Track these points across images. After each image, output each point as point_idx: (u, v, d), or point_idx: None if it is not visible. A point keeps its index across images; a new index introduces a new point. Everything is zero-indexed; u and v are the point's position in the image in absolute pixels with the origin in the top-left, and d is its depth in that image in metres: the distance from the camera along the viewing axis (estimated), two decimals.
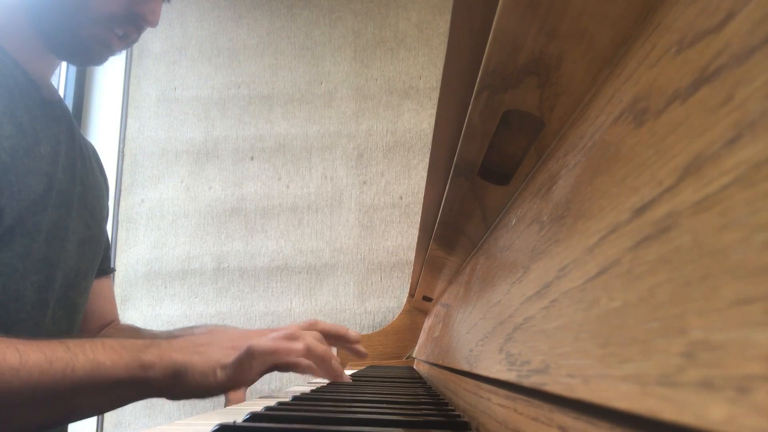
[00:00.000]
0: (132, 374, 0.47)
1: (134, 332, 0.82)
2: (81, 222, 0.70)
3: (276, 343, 0.52)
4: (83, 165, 0.72)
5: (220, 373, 0.50)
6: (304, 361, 0.54)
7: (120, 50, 0.68)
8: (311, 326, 0.74)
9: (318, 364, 0.56)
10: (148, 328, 1.56)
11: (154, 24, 0.67)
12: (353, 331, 0.75)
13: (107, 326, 0.83)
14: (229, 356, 0.51)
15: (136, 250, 1.64)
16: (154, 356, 0.48)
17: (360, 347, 0.74)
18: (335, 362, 0.58)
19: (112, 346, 0.48)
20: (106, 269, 0.83)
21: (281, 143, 1.69)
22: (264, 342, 0.51)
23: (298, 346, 0.53)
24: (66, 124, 0.70)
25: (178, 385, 0.49)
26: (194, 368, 0.49)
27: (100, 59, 0.67)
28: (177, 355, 0.49)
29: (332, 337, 0.73)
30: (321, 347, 0.56)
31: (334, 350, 0.83)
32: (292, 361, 0.54)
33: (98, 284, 0.79)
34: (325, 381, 0.81)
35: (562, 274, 0.22)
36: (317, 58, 1.75)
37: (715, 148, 0.12)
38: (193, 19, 1.79)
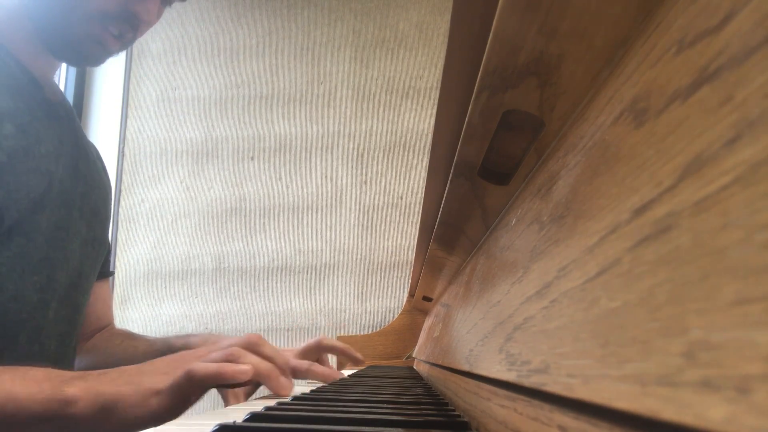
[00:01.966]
0: (51, 409, 0.42)
1: (128, 337, 0.82)
2: (83, 222, 0.70)
3: (219, 367, 0.46)
4: (87, 166, 0.72)
5: (154, 401, 0.45)
6: (245, 378, 0.50)
7: (117, 50, 0.67)
8: (317, 345, 0.76)
9: (266, 382, 0.51)
10: (148, 328, 1.57)
11: (149, 23, 0.66)
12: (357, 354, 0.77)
13: (102, 330, 0.83)
14: (164, 382, 0.46)
15: (136, 250, 1.64)
16: (79, 389, 0.44)
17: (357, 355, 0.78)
18: (283, 378, 0.52)
19: (34, 377, 0.44)
20: (105, 272, 0.83)
21: (281, 143, 1.69)
22: (204, 366, 0.46)
23: (244, 367, 0.48)
24: (69, 124, 0.70)
25: (107, 420, 0.44)
26: (125, 400, 0.45)
27: (97, 59, 0.66)
28: (106, 387, 0.45)
29: (313, 354, 0.76)
30: (264, 365, 0.50)
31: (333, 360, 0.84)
32: (234, 381, 0.49)
33: (96, 287, 0.79)
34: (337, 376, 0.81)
35: (562, 274, 0.22)
36: (317, 58, 1.75)
37: (715, 148, 0.12)
38: (193, 19, 1.79)
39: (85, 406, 0.43)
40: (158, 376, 0.47)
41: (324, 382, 0.71)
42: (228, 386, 0.52)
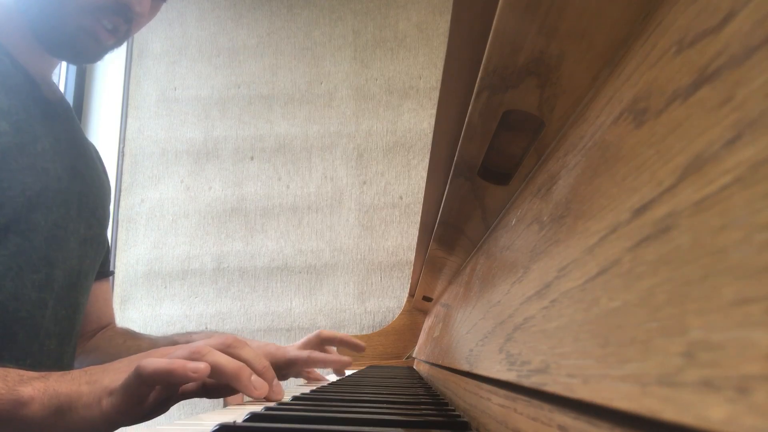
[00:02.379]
0: (4, 409, 0.40)
1: (130, 336, 0.82)
2: (82, 221, 0.70)
3: (171, 362, 0.41)
4: (85, 165, 0.72)
5: (106, 402, 0.41)
6: (208, 382, 0.46)
7: (112, 45, 0.67)
8: (317, 337, 0.76)
9: (234, 382, 0.45)
10: (148, 328, 1.57)
11: (142, 15, 0.66)
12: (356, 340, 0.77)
13: (104, 329, 0.83)
14: (118, 380, 0.42)
15: (136, 250, 1.64)
16: (35, 390, 0.41)
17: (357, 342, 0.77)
18: (255, 378, 0.47)
19: None
20: (105, 272, 0.83)
21: (281, 143, 1.69)
22: (156, 362, 0.41)
23: (199, 365, 0.42)
24: (67, 123, 0.70)
25: (61, 423, 0.41)
26: (80, 400, 0.41)
27: (93, 54, 0.66)
28: (64, 387, 0.42)
29: (316, 346, 0.75)
30: (233, 365, 0.45)
31: (333, 348, 0.83)
32: (192, 387, 0.46)
33: (96, 286, 0.79)
34: (325, 381, 0.80)
35: (562, 274, 0.22)
36: (317, 58, 1.75)
37: (715, 148, 0.12)
38: (193, 19, 1.79)
39: (39, 406, 0.41)
40: (116, 374, 0.43)
41: (330, 368, 0.71)
42: (191, 395, 0.48)
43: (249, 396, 0.46)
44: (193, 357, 0.44)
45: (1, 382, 0.41)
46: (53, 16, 0.62)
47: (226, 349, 0.47)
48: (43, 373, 0.44)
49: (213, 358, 0.44)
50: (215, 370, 0.44)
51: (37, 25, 0.63)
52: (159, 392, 0.44)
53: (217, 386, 0.48)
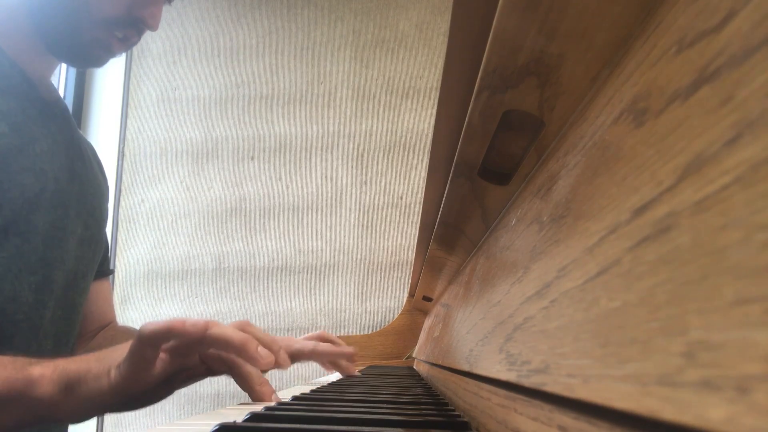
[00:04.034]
0: (15, 388, 0.42)
1: (133, 335, 0.82)
2: (80, 222, 0.69)
3: (171, 321, 0.43)
4: (82, 165, 0.72)
5: (113, 372, 0.43)
6: (212, 354, 0.47)
7: (120, 52, 0.68)
8: (319, 337, 0.76)
9: (240, 353, 0.45)
10: None
11: (154, 28, 0.67)
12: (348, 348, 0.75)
13: (105, 328, 0.83)
14: (125, 352, 0.44)
15: (136, 250, 1.64)
16: (45, 368, 0.43)
17: (348, 365, 0.75)
18: (263, 350, 0.47)
19: (1, 361, 0.43)
20: (104, 271, 0.83)
21: (281, 143, 1.69)
22: (155, 322, 0.43)
23: (198, 321, 0.43)
24: (64, 123, 0.70)
25: (72, 399, 0.43)
26: (89, 373, 0.43)
27: (100, 61, 0.67)
28: (73, 364, 0.44)
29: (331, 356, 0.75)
30: (239, 335, 0.45)
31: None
32: (196, 362, 0.47)
33: (97, 286, 0.79)
34: (325, 381, 0.80)
35: (562, 274, 0.22)
36: (317, 58, 1.75)
37: (715, 148, 0.12)
38: (193, 19, 1.79)
39: (49, 383, 0.42)
40: (125, 350, 0.45)
41: (334, 358, 0.71)
42: (199, 374, 0.49)
43: (255, 365, 0.46)
44: (199, 327, 0.44)
45: (10, 365, 0.43)
46: (66, 28, 0.62)
47: (240, 326, 0.48)
48: (51, 358, 0.45)
49: (220, 329, 0.45)
50: (222, 341, 0.44)
51: (49, 34, 0.63)
52: (165, 361, 0.45)
53: (222, 361, 0.48)
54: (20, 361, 0.44)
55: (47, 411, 0.43)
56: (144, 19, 0.65)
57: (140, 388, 0.44)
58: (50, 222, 0.63)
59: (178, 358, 0.46)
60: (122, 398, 0.44)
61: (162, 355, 0.45)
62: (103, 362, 0.44)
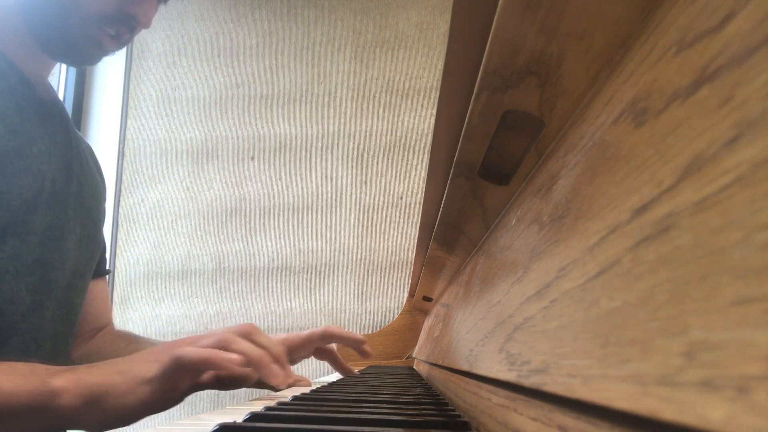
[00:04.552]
0: (37, 401, 0.42)
1: (132, 339, 0.81)
2: (78, 222, 0.69)
3: (208, 352, 0.45)
4: (80, 165, 0.72)
5: (143, 390, 0.44)
6: (240, 371, 0.48)
7: (113, 50, 0.67)
8: (325, 333, 0.75)
9: (258, 370, 0.49)
10: (148, 328, 1.57)
11: (146, 25, 0.67)
12: (360, 335, 0.77)
13: (102, 329, 0.83)
14: (154, 370, 0.45)
15: (136, 250, 1.64)
16: (66, 381, 0.43)
17: (366, 348, 0.76)
18: (275, 366, 0.50)
19: (20, 371, 0.43)
20: (101, 270, 0.82)
21: (281, 143, 1.69)
22: (193, 350, 0.45)
23: (233, 355, 0.46)
24: (62, 123, 0.69)
25: (96, 412, 0.43)
26: (114, 389, 0.44)
27: (93, 59, 0.67)
28: (95, 377, 0.44)
29: (318, 341, 0.75)
30: (257, 352, 0.49)
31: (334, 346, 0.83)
32: (227, 374, 0.48)
33: (93, 286, 0.79)
34: (324, 381, 0.80)
35: (562, 274, 0.22)
36: (317, 58, 1.75)
37: (715, 148, 0.12)
38: (193, 19, 1.79)
39: (72, 397, 0.43)
40: (148, 364, 0.46)
41: (346, 344, 0.74)
42: (225, 386, 0.51)
43: (269, 383, 0.49)
44: (221, 345, 0.47)
45: (31, 376, 0.43)
46: (57, 25, 0.62)
47: (247, 336, 0.50)
48: (68, 367, 0.46)
49: (239, 346, 0.48)
50: (245, 359, 0.47)
51: (40, 31, 0.63)
52: (189, 379, 0.47)
53: (232, 377, 0.51)
54: (40, 370, 0.44)
55: (70, 422, 0.43)
56: (136, 16, 0.64)
57: (167, 407, 0.46)
58: (48, 223, 0.63)
59: (207, 384, 0.48)
60: (148, 414, 0.45)
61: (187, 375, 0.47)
62: (126, 376, 0.44)
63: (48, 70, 0.70)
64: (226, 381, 0.51)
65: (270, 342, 0.52)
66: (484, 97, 0.31)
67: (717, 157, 0.12)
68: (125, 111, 1.74)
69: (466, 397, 0.40)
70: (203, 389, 0.51)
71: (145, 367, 0.45)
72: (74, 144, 0.72)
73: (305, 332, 0.74)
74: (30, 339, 0.61)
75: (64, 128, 0.70)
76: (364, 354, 0.76)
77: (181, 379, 0.45)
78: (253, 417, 0.35)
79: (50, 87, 0.71)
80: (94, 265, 0.77)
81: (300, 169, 1.67)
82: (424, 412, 0.41)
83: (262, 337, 0.52)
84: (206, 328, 1.56)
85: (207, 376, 0.51)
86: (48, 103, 0.67)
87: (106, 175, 0.85)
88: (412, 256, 1.51)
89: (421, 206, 0.67)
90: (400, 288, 1.56)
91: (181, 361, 0.44)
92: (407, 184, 1.63)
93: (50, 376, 0.43)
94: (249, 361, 0.47)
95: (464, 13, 0.30)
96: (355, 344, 0.76)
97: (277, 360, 0.50)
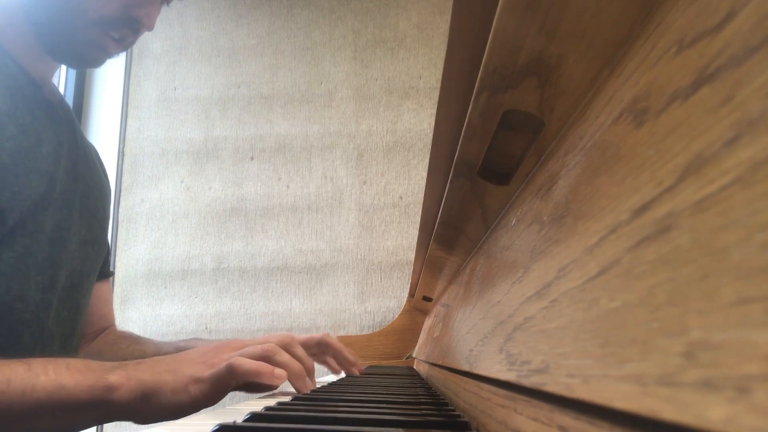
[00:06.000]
0: (95, 396, 0.45)
1: (134, 341, 0.82)
2: (83, 222, 0.70)
3: (259, 366, 0.49)
4: (86, 166, 0.72)
5: (193, 389, 0.48)
6: (279, 383, 0.52)
7: (117, 53, 0.68)
8: (322, 342, 0.76)
9: (293, 381, 0.54)
10: (148, 328, 1.57)
11: (150, 27, 0.67)
12: (354, 358, 0.78)
13: (105, 330, 0.83)
14: (203, 371, 0.49)
15: (136, 250, 1.64)
16: (120, 377, 0.46)
17: (354, 371, 0.78)
18: (308, 380, 0.56)
19: (77, 367, 0.46)
20: (105, 272, 0.82)
21: (281, 143, 1.69)
22: (247, 363, 0.49)
23: (279, 371, 0.51)
24: (68, 124, 0.70)
25: (148, 406, 0.46)
26: (166, 386, 0.47)
27: (97, 62, 0.67)
28: (146, 375, 0.47)
29: (315, 347, 0.77)
30: (296, 366, 0.54)
31: None
32: (268, 384, 0.52)
33: (97, 287, 0.79)
34: (325, 381, 0.81)
35: (562, 274, 0.22)
36: (317, 58, 1.75)
37: (715, 148, 0.12)
38: (193, 19, 1.79)
39: (127, 392, 0.46)
40: (197, 365, 0.50)
41: (339, 359, 0.77)
42: (255, 392, 0.54)
43: (298, 392, 0.55)
44: (266, 356, 0.52)
45: (90, 372, 0.46)
46: (62, 29, 0.62)
47: (287, 348, 0.56)
48: (118, 363, 0.49)
49: (282, 359, 0.53)
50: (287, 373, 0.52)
51: (45, 34, 0.63)
52: (235, 384, 0.51)
53: (270, 388, 0.54)
54: (94, 366, 0.47)
55: (123, 414, 0.47)
56: (140, 19, 0.64)
57: (209, 405, 0.50)
58: (55, 223, 0.63)
59: (242, 387, 0.51)
60: (196, 411, 0.49)
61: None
62: (177, 375, 0.48)
63: (52, 71, 0.70)
64: (262, 388, 0.54)
65: (304, 354, 0.57)
66: (484, 97, 0.31)
67: (717, 157, 0.12)
68: (125, 111, 1.74)
69: (466, 397, 0.40)
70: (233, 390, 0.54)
71: (195, 368, 0.49)
72: (81, 145, 0.72)
73: (303, 337, 0.75)
74: (37, 338, 0.61)
75: (70, 130, 0.70)
76: (350, 374, 0.79)
77: (229, 385, 0.49)
78: (253, 417, 0.35)
79: (55, 88, 0.71)
80: (99, 266, 0.77)
81: (300, 169, 1.67)
82: (424, 412, 0.41)
83: (298, 349, 0.57)
84: (206, 328, 1.56)
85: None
86: (55, 104, 0.68)
87: (108, 177, 0.85)
88: (412, 256, 1.51)
89: (421, 206, 0.67)
90: (400, 288, 1.56)
91: (235, 371, 0.48)
92: (407, 184, 1.63)
93: (106, 372, 0.46)
94: (289, 375, 0.53)
95: (464, 13, 0.30)
96: (346, 364, 0.78)
97: (309, 372, 0.56)
